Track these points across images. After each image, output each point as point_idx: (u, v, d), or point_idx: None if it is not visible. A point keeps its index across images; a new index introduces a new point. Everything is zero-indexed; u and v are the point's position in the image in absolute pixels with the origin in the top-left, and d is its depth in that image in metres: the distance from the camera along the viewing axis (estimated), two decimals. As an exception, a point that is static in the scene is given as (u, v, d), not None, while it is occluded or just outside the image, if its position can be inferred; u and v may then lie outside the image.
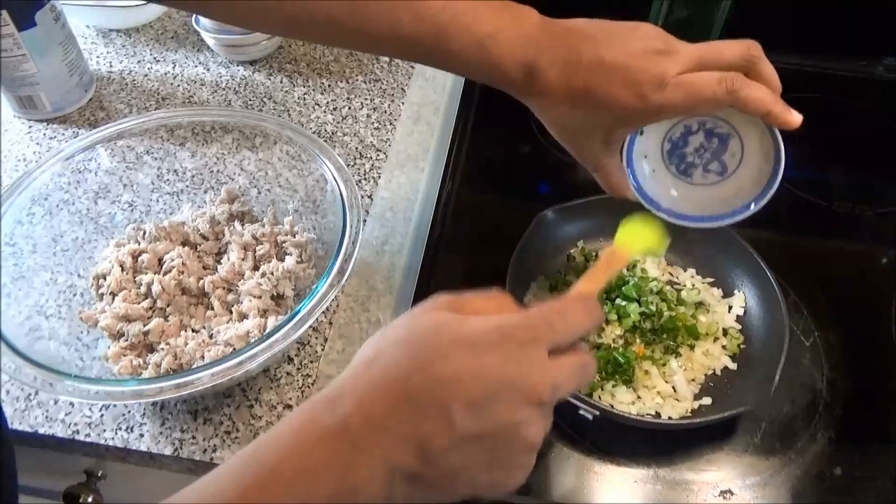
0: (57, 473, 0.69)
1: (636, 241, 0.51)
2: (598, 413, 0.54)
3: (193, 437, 0.57)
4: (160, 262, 0.65)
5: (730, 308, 0.64)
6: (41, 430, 0.57)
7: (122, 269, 0.63)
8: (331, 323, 0.64)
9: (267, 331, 0.55)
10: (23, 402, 0.59)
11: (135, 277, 0.64)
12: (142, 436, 0.57)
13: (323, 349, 0.62)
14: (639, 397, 0.58)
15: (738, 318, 0.64)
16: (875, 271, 0.72)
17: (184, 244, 0.66)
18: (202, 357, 0.58)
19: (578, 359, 0.38)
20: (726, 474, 0.56)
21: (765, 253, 0.69)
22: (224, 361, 0.50)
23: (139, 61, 0.92)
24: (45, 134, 0.82)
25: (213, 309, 0.62)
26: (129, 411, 0.58)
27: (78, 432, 0.57)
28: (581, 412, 0.54)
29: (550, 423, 0.37)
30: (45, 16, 0.76)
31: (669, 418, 0.56)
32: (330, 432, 0.34)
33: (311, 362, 0.61)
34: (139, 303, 0.62)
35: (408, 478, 0.33)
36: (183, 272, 0.63)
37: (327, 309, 0.65)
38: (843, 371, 0.62)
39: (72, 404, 0.58)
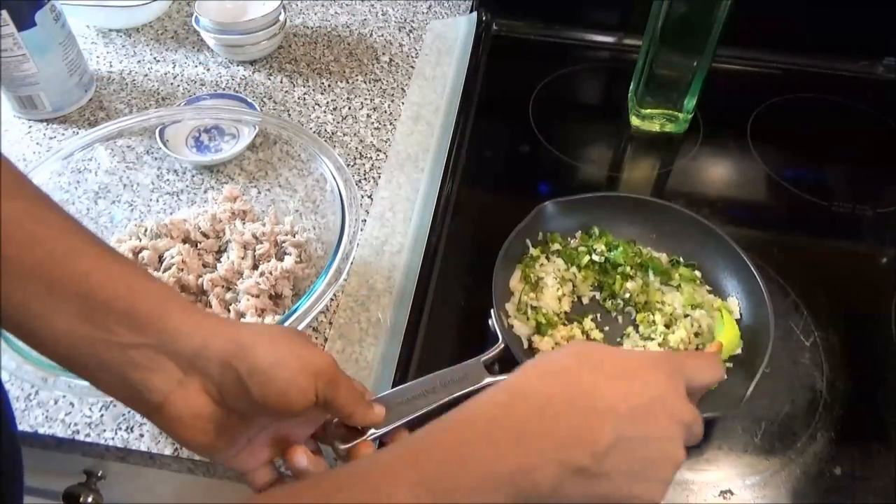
0: (57, 473, 0.69)
1: (731, 342, 0.59)
2: None
3: (193, 437, 0.57)
4: (160, 258, 0.65)
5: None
6: (41, 430, 0.57)
7: None
8: (331, 323, 0.64)
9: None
10: (23, 403, 0.59)
11: None
12: (142, 436, 0.57)
13: (323, 349, 0.62)
14: None
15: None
16: (875, 271, 0.72)
17: (184, 241, 0.67)
18: None
19: (700, 414, 0.42)
20: (726, 474, 0.56)
21: (765, 253, 0.69)
22: None
23: (139, 61, 0.92)
24: (45, 134, 0.82)
25: (211, 307, 0.62)
26: (129, 411, 0.58)
27: (78, 432, 0.57)
28: None
29: (684, 458, 0.40)
30: (45, 16, 0.76)
31: None
32: (514, 422, 0.37)
33: (311, 362, 0.61)
34: None
35: (575, 471, 0.36)
36: (183, 269, 0.63)
37: (327, 309, 0.65)
38: (843, 371, 0.62)
39: (72, 404, 0.58)
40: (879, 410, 0.60)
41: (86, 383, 0.48)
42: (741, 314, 0.62)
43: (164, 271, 0.63)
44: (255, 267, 0.64)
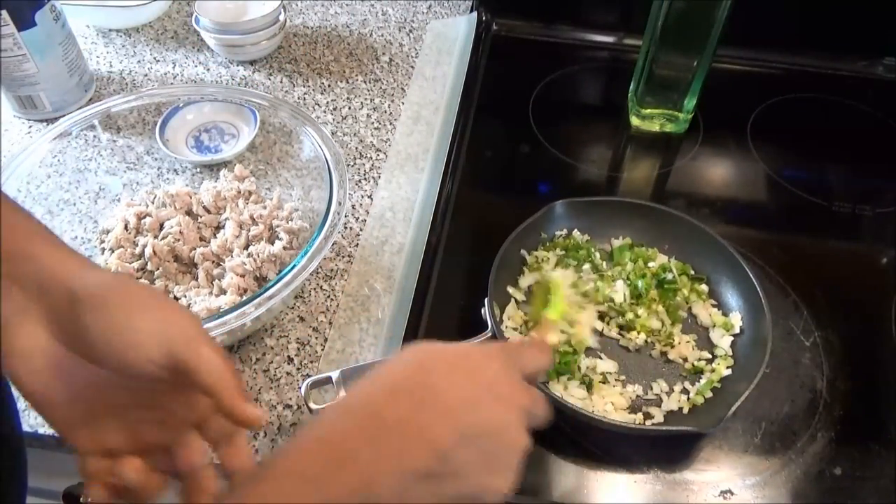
0: (57, 473, 0.68)
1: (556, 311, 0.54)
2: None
3: (193, 437, 0.57)
4: (162, 227, 0.66)
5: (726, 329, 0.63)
6: (41, 430, 0.57)
7: (126, 228, 0.66)
8: (331, 323, 0.64)
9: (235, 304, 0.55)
10: (23, 402, 0.58)
11: (135, 238, 0.65)
12: (142, 436, 0.57)
13: (323, 349, 0.62)
14: (591, 398, 0.58)
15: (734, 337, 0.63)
16: (875, 271, 0.72)
17: (187, 214, 0.68)
18: None
19: (538, 392, 0.43)
20: (726, 474, 0.56)
21: (765, 253, 0.69)
22: None
23: (139, 61, 0.92)
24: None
25: (197, 279, 0.63)
26: (129, 411, 0.58)
27: (78, 432, 0.57)
28: None
29: (529, 443, 0.40)
30: (45, 16, 0.76)
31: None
32: (350, 437, 0.36)
33: (312, 362, 0.61)
34: (132, 262, 0.64)
35: (420, 475, 0.36)
36: (179, 240, 0.65)
37: (327, 309, 0.65)
38: (843, 371, 0.62)
39: (72, 404, 0.58)
40: (879, 410, 0.60)
41: None
42: (742, 326, 0.62)
43: (162, 239, 0.65)
44: (246, 247, 0.65)
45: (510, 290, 0.65)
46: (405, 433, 0.36)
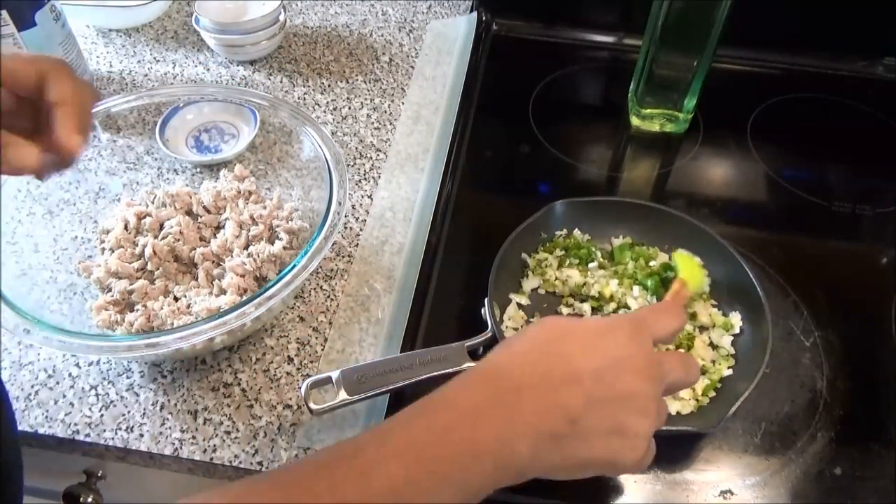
0: (57, 473, 0.69)
1: (695, 278, 0.61)
2: None
3: (193, 437, 0.57)
4: (162, 227, 0.66)
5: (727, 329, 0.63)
6: (41, 430, 0.57)
7: (126, 228, 0.66)
8: (331, 323, 0.64)
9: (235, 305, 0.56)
10: (23, 402, 0.59)
11: (135, 238, 0.66)
12: (142, 436, 0.57)
13: (323, 349, 0.62)
14: None
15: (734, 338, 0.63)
16: (875, 271, 0.72)
17: (187, 214, 0.68)
18: (172, 324, 0.59)
19: (680, 354, 0.45)
20: (726, 474, 0.56)
21: (765, 253, 0.69)
22: (191, 327, 0.52)
23: (139, 61, 0.92)
24: (45, 134, 0.82)
25: (197, 279, 0.63)
26: (129, 411, 0.58)
27: (78, 432, 0.57)
28: None
29: (665, 410, 0.43)
30: (45, 16, 0.76)
31: None
32: (486, 397, 0.39)
33: (311, 362, 0.61)
34: (132, 262, 0.64)
35: (551, 437, 0.38)
36: (179, 240, 0.65)
37: (327, 309, 0.65)
38: (843, 371, 0.62)
39: (72, 404, 0.58)
40: (879, 410, 0.60)
41: (63, 335, 0.51)
42: (742, 326, 0.62)
43: (162, 239, 0.65)
44: (246, 247, 0.65)
45: (512, 296, 0.65)
46: (535, 396, 0.39)
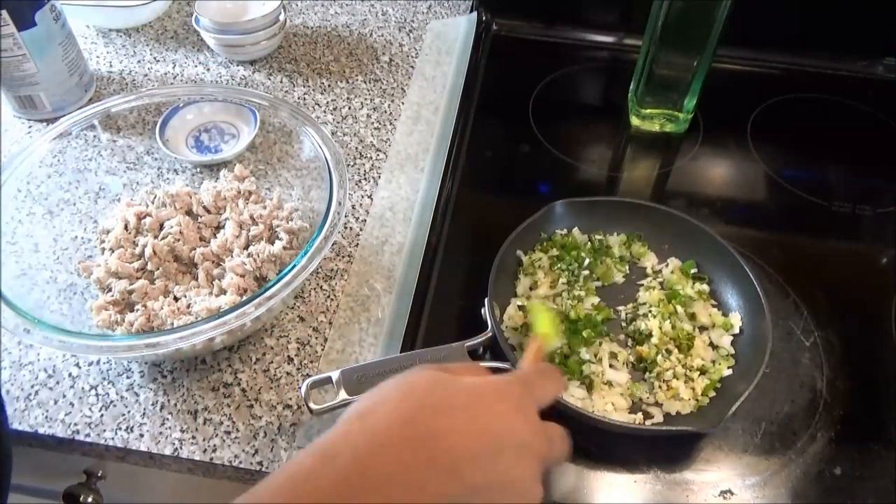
0: (57, 473, 0.69)
1: (551, 332, 0.52)
2: None
3: (193, 437, 0.57)
4: (161, 227, 0.66)
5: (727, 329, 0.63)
6: (41, 430, 0.57)
7: (126, 228, 0.66)
8: (331, 323, 0.64)
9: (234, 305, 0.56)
10: (23, 402, 0.59)
11: (135, 238, 0.66)
12: (142, 436, 0.57)
13: (323, 349, 0.62)
14: (591, 399, 0.58)
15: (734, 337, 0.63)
16: (875, 271, 0.72)
17: (187, 214, 0.68)
18: (172, 324, 0.59)
19: (559, 427, 0.40)
20: (726, 474, 0.56)
21: (765, 253, 0.69)
22: (191, 327, 0.52)
23: (139, 61, 0.92)
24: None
25: (197, 279, 0.63)
26: (129, 411, 0.58)
27: (78, 432, 0.57)
28: None
29: (543, 492, 0.37)
30: (45, 16, 0.76)
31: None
32: (328, 491, 0.32)
33: (312, 362, 0.61)
34: (132, 262, 0.64)
35: None
36: (179, 240, 0.65)
37: (327, 309, 0.65)
38: (843, 371, 0.62)
39: (72, 404, 0.58)
40: (879, 410, 0.60)
41: (63, 335, 0.51)
42: (742, 326, 0.62)
43: (162, 239, 0.65)
44: (246, 247, 0.65)
45: (513, 300, 0.65)
46: (402, 491, 0.32)
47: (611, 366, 0.60)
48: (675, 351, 0.60)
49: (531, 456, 0.36)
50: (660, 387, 0.58)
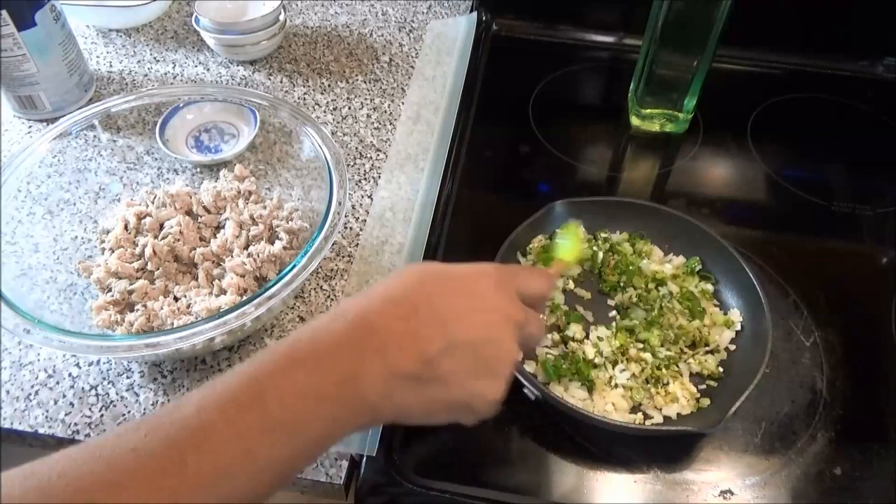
0: (57, 473, 0.68)
1: (573, 251, 0.60)
2: (539, 395, 0.55)
3: (193, 437, 0.57)
4: (161, 227, 0.66)
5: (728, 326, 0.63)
6: (41, 430, 0.57)
7: (126, 228, 0.66)
8: (331, 323, 0.64)
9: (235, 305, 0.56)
10: (23, 402, 0.59)
11: (135, 238, 0.66)
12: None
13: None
14: (591, 399, 0.58)
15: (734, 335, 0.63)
16: (875, 271, 0.72)
17: (187, 214, 0.68)
18: (172, 324, 0.59)
19: (536, 314, 0.46)
20: (726, 474, 0.56)
21: (765, 253, 0.69)
22: (191, 327, 0.52)
23: (139, 61, 0.92)
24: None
25: (197, 279, 0.63)
26: (129, 411, 0.58)
27: (78, 432, 0.57)
28: (525, 391, 0.56)
29: (520, 355, 0.44)
30: (45, 16, 0.76)
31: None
32: (337, 336, 0.39)
33: (311, 362, 0.61)
34: (132, 262, 0.64)
35: (406, 378, 0.38)
36: (179, 240, 0.65)
37: (327, 309, 0.65)
38: (843, 371, 0.62)
39: (72, 404, 0.58)
40: (879, 410, 0.60)
41: (63, 335, 0.52)
42: (742, 324, 0.62)
43: (162, 239, 0.65)
44: (246, 247, 0.65)
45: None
46: (392, 337, 0.39)
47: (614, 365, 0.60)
48: (676, 350, 0.61)
49: (508, 320, 0.42)
50: (657, 393, 0.58)
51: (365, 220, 0.73)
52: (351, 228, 0.72)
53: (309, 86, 0.88)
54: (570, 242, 0.60)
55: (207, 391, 0.36)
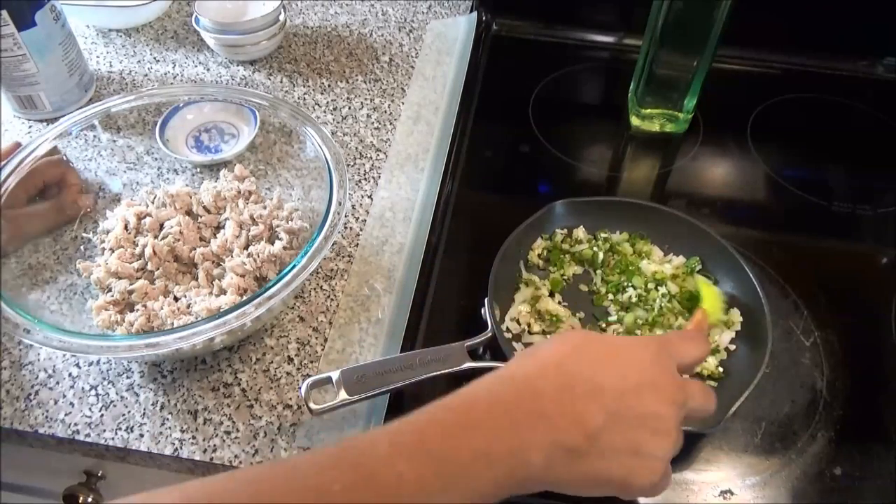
0: (57, 473, 0.69)
1: (715, 307, 0.61)
2: None
3: (193, 437, 0.57)
4: (161, 227, 0.66)
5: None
6: (41, 430, 0.57)
7: (126, 228, 0.66)
8: (331, 323, 0.64)
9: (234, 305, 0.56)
10: (23, 402, 0.59)
11: (135, 238, 0.66)
12: (142, 436, 0.57)
13: (323, 349, 0.62)
14: None
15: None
16: (875, 271, 0.72)
17: (187, 214, 0.68)
18: (172, 324, 0.59)
19: (701, 383, 0.45)
20: (726, 474, 0.56)
21: (765, 253, 0.69)
22: (191, 327, 0.52)
23: (139, 61, 0.92)
24: (45, 134, 0.82)
25: (197, 280, 0.63)
26: (129, 411, 0.58)
27: (78, 432, 0.57)
28: None
29: (681, 438, 0.42)
30: (45, 16, 0.76)
31: None
32: (507, 404, 0.39)
33: (312, 362, 0.61)
34: (132, 262, 0.64)
35: (568, 451, 0.38)
36: (179, 240, 0.65)
37: (327, 309, 0.65)
38: (843, 371, 0.62)
39: (72, 404, 0.58)
40: (879, 410, 0.60)
41: (63, 335, 0.52)
42: (742, 324, 0.62)
43: (162, 239, 0.65)
44: (246, 247, 0.65)
45: (512, 305, 0.65)
46: (556, 407, 0.39)
47: None
48: None
49: (668, 400, 0.41)
50: None
51: (365, 220, 0.73)
52: (351, 228, 0.72)
53: (309, 86, 0.88)
54: (711, 292, 0.61)
55: (398, 436, 0.38)
